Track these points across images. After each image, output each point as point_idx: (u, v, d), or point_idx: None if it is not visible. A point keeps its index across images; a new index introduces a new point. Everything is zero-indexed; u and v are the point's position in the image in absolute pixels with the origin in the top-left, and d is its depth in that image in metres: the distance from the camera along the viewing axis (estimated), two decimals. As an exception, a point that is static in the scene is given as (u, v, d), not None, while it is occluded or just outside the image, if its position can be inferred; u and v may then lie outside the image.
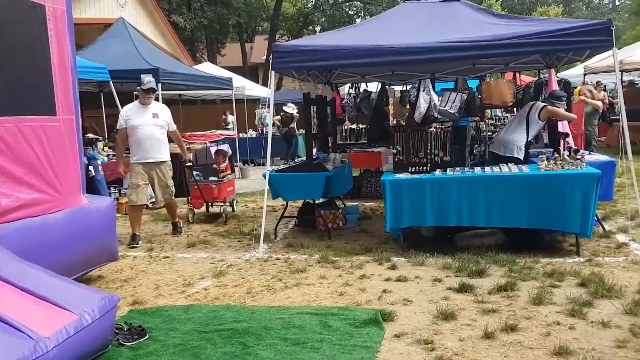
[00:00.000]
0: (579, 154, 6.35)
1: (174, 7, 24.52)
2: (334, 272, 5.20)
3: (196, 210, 8.18)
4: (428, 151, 6.07)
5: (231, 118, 18.64)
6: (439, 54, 5.84)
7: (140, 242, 6.62)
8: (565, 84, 8.69)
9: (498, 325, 3.77)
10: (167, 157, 6.79)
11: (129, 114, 6.68)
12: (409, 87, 10.00)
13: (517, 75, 11.43)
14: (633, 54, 13.90)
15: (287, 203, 6.98)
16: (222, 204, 8.06)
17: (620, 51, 14.43)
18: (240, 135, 15.69)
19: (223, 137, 12.04)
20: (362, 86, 10.22)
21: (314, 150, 7.39)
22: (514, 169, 5.73)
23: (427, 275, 4.99)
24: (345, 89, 11.56)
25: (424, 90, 9.27)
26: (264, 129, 17.11)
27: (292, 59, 6.16)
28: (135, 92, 12.11)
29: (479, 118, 8.90)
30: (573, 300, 4.17)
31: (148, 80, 6.66)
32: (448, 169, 5.93)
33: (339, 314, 3.97)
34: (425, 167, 6.01)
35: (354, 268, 5.31)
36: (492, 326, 3.74)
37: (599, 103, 9.12)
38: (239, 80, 15.81)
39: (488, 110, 14.25)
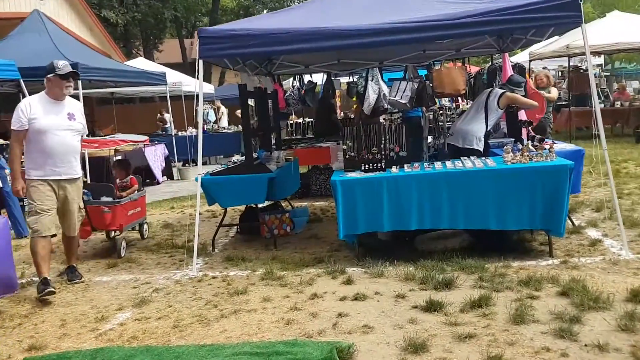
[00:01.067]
0: (544, 143, 5.84)
1: (105, 2, 23.01)
2: (280, 292, 4.44)
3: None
4: (382, 146, 5.39)
5: (167, 116, 17.52)
6: (388, 37, 5.13)
7: (54, 287, 4.73)
8: (520, 69, 8.25)
9: (479, 357, 3.10)
10: (81, 172, 5.17)
11: (35, 112, 4.81)
12: (356, 77, 9.31)
13: (467, 64, 10.98)
14: (577, 37, 13.72)
15: (225, 210, 6.15)
16: (118, 232, 6.02)
17: (566, 36, 14.28)
18: (180, 133, 14.66)
19: (127, 142, 10.33)
20: (307, 77, 9.45)
21: (256, 149, 6.59)
22: (478, 163, 5.12)
23: (388, 291, 4.30)
24: (289, 81, 10.76)
25: (372, 80, 8.61)
26: (206, 126, 16.11)
27: (222, 46, 5.31)
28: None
29: (436, 108, 8.32)
30: (558, 316, 3.57)
31: (63, 63, 4.91)
32: (405, 166, 5.27)
33: (286, 353, 3.21)
34: (379, 164, 5.32)
35: (304, 285, 4.56)
36: (472, 359, 3.08)
37: (555, 92, 8.71)
38: (174, 76, 14.73)
39: (437, 100, 13.96)
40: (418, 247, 5.36)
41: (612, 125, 14.39)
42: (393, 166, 5.27)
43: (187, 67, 28.95)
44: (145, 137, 11.72)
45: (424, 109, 10.63)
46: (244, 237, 6.51)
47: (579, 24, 4.85)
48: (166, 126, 16.61)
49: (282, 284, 4.63)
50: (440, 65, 9.76)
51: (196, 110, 5.47)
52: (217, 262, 5.52)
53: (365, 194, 4.98)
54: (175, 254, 5.92)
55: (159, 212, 8.42)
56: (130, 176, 6.51)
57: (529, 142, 5.68)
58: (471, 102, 11.18)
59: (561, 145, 6.10)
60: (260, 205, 6.54)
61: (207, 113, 17.82)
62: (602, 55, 22.97)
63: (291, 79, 9.45)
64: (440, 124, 7.20)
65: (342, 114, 15.12)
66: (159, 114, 17.26)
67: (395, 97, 8.63)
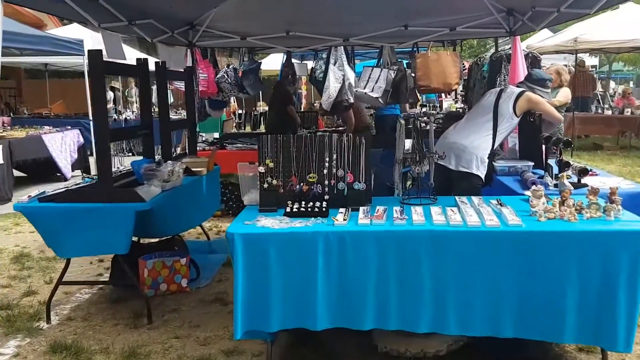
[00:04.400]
0: (587, 177, 3.70)
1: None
2: None
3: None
4: (325, 169, 3.16)
5: (109, 95, 15.01)
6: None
7: None
8: (533, 60, 6.09)
9: None
10: None
11: None
12: (320, 62, 7.03)
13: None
14: (586, 31, 11.65)
15: (67, 260, 3.81)
16: None
17: (572, 28, 12.22)
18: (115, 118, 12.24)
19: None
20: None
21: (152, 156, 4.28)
22: (488, 215, 2.90)
23: None
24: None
25: (334, 64, 6.39)
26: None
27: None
28: None
29: (419, 107, 6.12)
30: None
31: None
32: (361, 210, 3.05)
33: None
34: (319, 203, 3.09)
35: None
36: None
37: (566, 94, 6.52)
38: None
39: (420, 96, 11.75)
40: (378, 345, 3.16)
41: (620, 136, 12.42)
42: (341, 209, 3.04)
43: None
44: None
45: (407, 107, 8.54)
46: (114, 293, 4.23)
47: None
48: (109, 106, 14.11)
49: None
50: (428, 48, 7.59)
51: None
52: (36, 351, 3.26)
53: (288, 260, 2.76)
54: (-15, 326, 3.62)
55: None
56: None
57: (566, 174, 3.52)
58: (462, 103, 9.06)
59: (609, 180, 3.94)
60: (147, 240, 4.31)
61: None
62: (598, 56, 21.16)
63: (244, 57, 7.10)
64: (425, 127, 4.85)
65: (306, 106, 12.91)
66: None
67: (364, 89, 6.41)
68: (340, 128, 8.28)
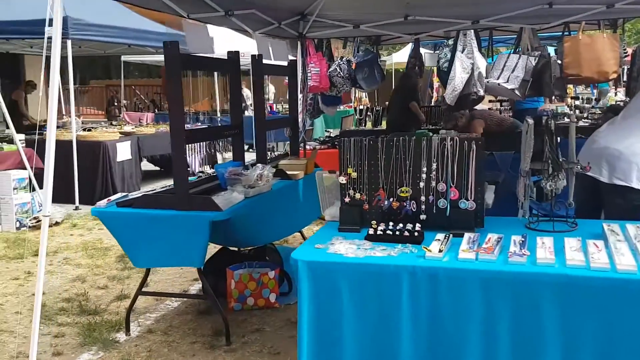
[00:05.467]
0: None
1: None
2: None
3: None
4: (422, 182, 2.49)
5: (247, 92, 15.31)
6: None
7: None
8: None
9: None
10: None
11: None
12: (446, 50, 6.21)
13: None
14: None
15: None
16: None
17: None
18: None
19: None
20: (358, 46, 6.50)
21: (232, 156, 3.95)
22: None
23: None
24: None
25: (462, 51, 5.57)
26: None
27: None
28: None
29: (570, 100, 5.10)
30: None
31: None
32: (466, 235, 2.34)
33: None
34: (409, 225, 2.44)
35: None
36: None
37: None
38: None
39: (571, 87, 10.25)
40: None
41: None
42: (439, 235, 2.36)
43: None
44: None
45: (549, 102, 7.39)
46: (204, 302, 3.94)
47: None
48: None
49: None
50: (578, 32, 6.40)
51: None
52: (106, 370, 3.04)
53: (363, 298, 2.16)
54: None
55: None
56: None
57: None
58: (624, 95, 7.56)
59: None
60: (240, 249, 3.98)
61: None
62: None
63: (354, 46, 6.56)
64: (573, 122, 3.79)
65: (436, 99, 11.99)
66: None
67: (497, 79, 5.53)
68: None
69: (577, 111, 8.54)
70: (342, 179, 2.59)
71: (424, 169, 2.48)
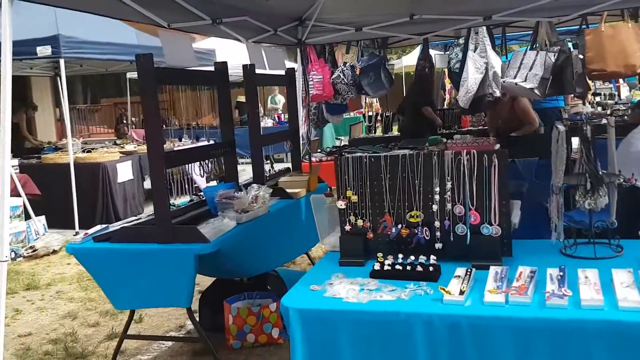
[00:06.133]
0: None
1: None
2: None
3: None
4: (435, 204, 2.10)
5: (280, 98, 14.93)
6: None
7: None
8: None
9: None
10: None
11: None
12: (457, 50, 5.81)
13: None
14: None
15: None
16: None
17: None
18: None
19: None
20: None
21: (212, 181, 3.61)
22: None
23: None
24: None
25: (474, 50, 5.17)
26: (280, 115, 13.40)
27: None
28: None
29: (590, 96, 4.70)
30: None
31: None
32: (492, 270, 1.94)
33: None
34: (423, 257, 2.05)
35: None
36: None
37: None
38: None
39: (590, 83, 9.75)
40: None
41: None
42: (459, 270, 1.97)
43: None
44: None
45: (570, 99, 6.95)
46: (196, 346, 3.57)
47: None
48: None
49: None
50: (600, 23, 5.96)
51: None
52: None
53: (368, 353, 1.78)
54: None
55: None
56: None
57: None
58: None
59: None
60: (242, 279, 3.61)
61: (274, 98, 15.16)
62: None
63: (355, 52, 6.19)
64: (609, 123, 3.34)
65: (449, 102, 11.52)
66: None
67: (514, 78, 5.10)
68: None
69: (599, 108, 8.07)
70: (341, 204, 2.21)
71: (437, 189, 2.09)
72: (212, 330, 3.61)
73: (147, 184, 8.38)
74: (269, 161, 11.39)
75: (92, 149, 7.87)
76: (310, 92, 5.40)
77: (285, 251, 3.65)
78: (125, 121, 15.27)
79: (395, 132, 8.22)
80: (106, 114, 22.16)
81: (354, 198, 2.19)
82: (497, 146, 3.28)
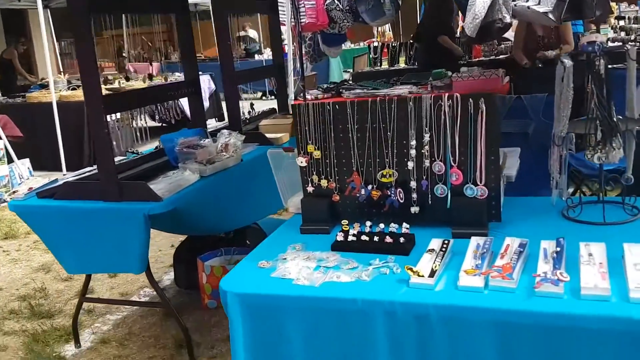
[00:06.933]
0: None
1: None
2: None
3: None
4: (411, 160, 1.74)
5: (253, 32, 14.34)
6: None
7: None
8: None
9: None
10: None
11: None
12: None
13: None
14: None
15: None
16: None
17: None
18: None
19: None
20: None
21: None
22: None
23: None
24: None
25: (482, -31, 4.57)
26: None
27: None
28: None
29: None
30: None
31: None
32: (473, 241, 1.59)
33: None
34: (394, 224, 1.71)
35: None
36: None
37: None
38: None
39: (614, 4, 8.95)
40: None
41: None
42: (434, 243, 1.62)
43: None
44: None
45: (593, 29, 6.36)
46: (177, 297, 3.35)
47: None
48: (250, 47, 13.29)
49: None
50: None
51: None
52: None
53: (321, 348, 1.48)
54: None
55: None
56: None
57: None
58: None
59: None
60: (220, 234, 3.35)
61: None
62: None
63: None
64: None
65: (461, 29, 10.76)
66: (240, 30, 14.17)
67: (526, 1, 4.55)
68: (502, 56, 6.47)
69: (623, 33, 7.41)
70: (302, 161, 1.85)
71: (413, 143, 1.71)
72: (189, 287, 3.39)
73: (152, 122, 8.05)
74: (272, 97, 10.89)
75: (78, 86, 7.48)
76: (302, 20, 4.89)
77: (264, 203, 3.31)
78: (123, 55, 14.77)
79: (402, 64, 7.67)
80: (106, 47, 21.47)
81: (317, 154, 1.83)
82: (506, 80, 2.86)
